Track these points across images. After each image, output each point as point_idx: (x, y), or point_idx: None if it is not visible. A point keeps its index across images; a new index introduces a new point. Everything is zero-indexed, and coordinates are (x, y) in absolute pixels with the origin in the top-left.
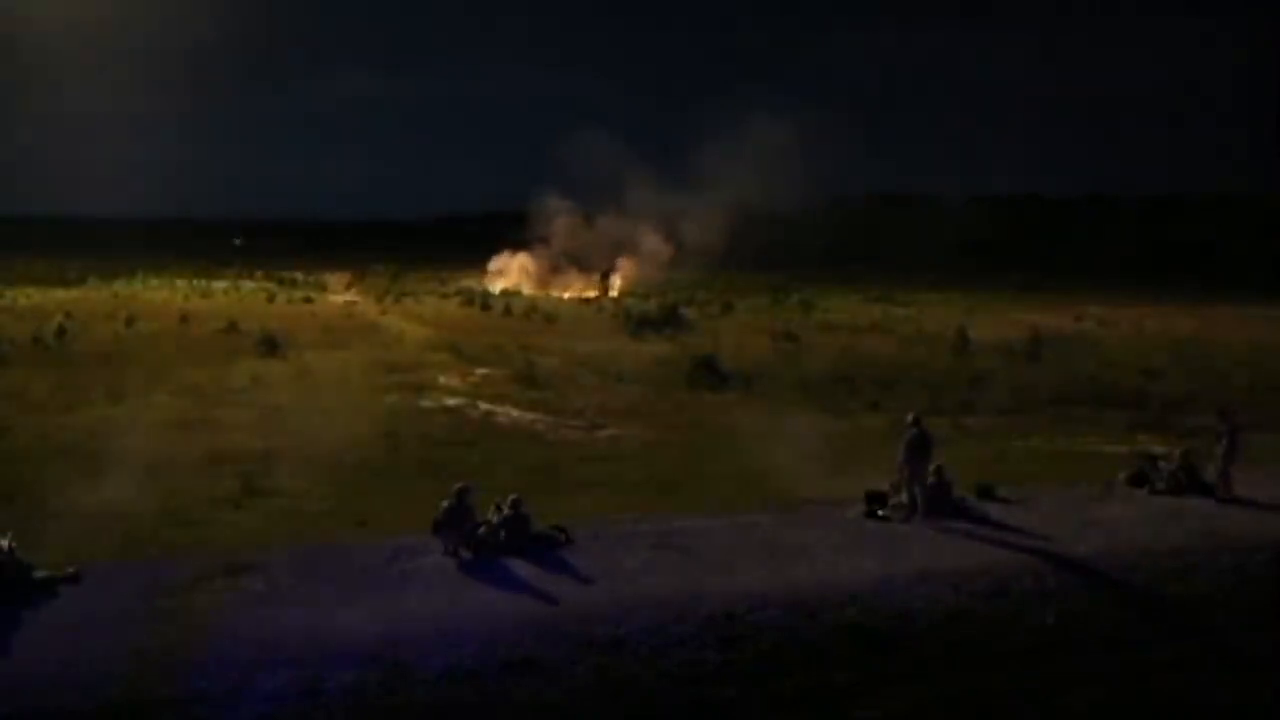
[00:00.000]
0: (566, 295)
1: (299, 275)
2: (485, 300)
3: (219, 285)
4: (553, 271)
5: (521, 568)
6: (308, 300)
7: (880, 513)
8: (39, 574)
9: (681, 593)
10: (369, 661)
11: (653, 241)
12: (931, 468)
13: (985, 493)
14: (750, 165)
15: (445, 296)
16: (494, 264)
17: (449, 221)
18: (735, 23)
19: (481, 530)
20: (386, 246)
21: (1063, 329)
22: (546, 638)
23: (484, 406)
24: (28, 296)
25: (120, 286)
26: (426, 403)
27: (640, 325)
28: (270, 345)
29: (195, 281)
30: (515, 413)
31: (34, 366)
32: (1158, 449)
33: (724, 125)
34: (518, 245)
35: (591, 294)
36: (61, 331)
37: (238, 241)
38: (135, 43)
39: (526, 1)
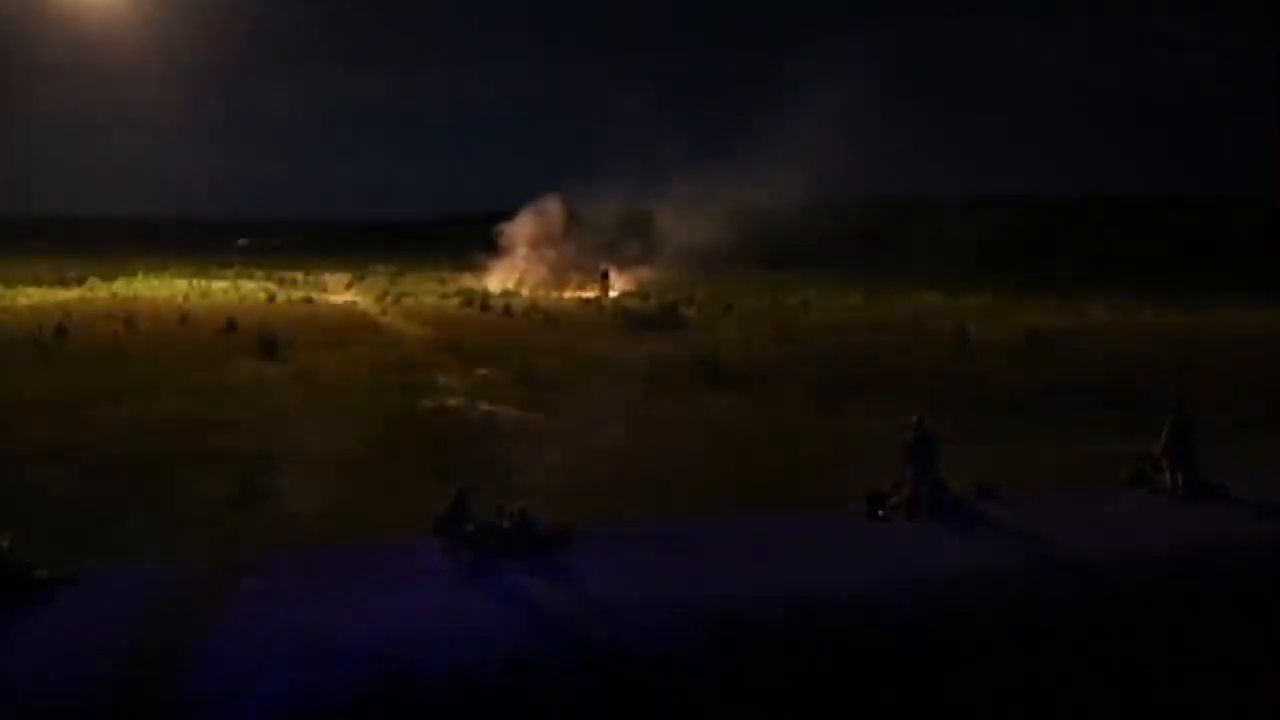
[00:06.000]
0: (567, 295)
1: (299, 275)
2: (485, 300)
3: (219, 285)
4: (555, 271)
5: (521, 568)
6: (308, 300)
7: (880, 513)
8: (38, 574)
9: (681, 593)
10: (369, 661)
11: (678, 232)
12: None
13: (984, 492)
14: (773, 166)
15: (445, 297)
16: (507, 230)
17: (449, 221)
18: (733, 28)
19: (486, 536)
20: (386, 246)
21: (1063, 329)
22: (546, 638)
23: (484, 406)
24: (28, 296)
25: (120, 286)
26: (426, 403)
27: (640, 325)
28: (270, 346)
29: (195, 281)
30: (516, 413)
31: (34, 366)
32: (1158, 449)
33: (726, 134)
34: (531, 240)
35: (591, 294)
36: (61, 331)
37: (241, 242)
38: (136, 43)
39: (528, 1)
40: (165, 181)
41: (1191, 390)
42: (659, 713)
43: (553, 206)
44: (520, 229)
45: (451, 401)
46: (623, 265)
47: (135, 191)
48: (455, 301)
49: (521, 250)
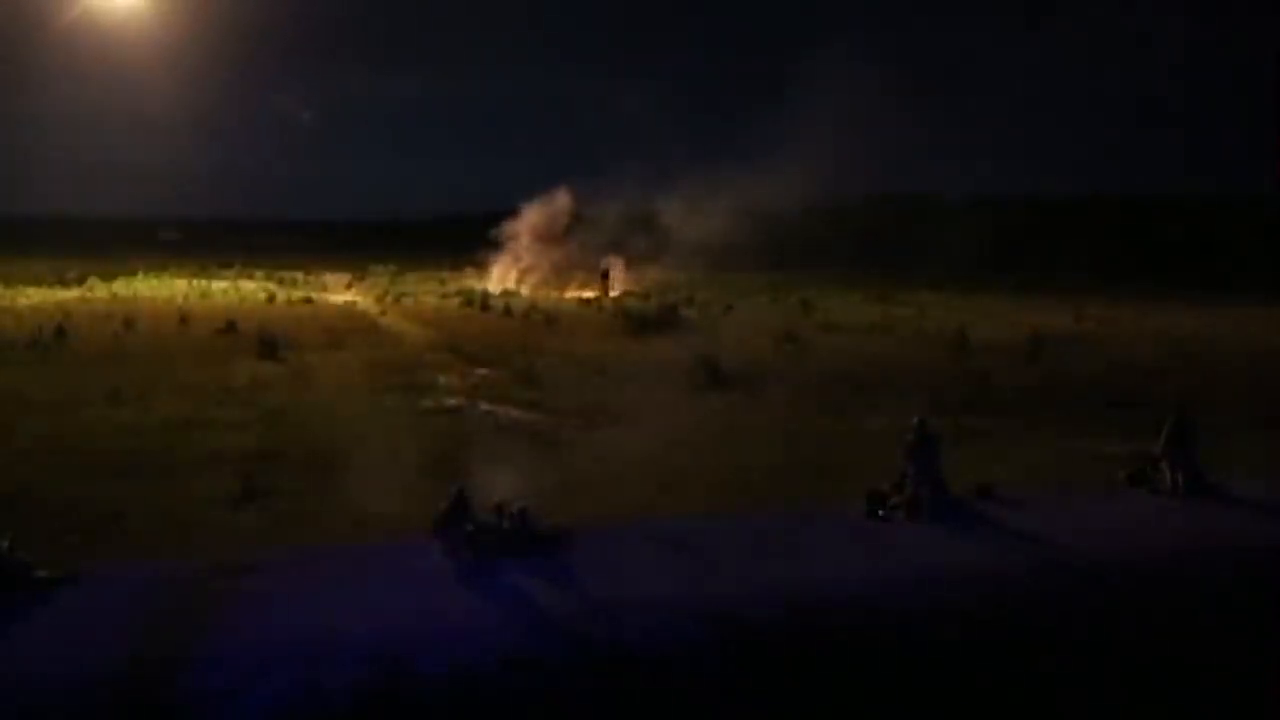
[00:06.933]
0: (567, 295)
1: (299, 275)
2: (485, 300)
3: (219, 285)
4: (556, 271)
5: (521, 568)
6: (308, 300)
7: (880, 513)
8: (38, 574)
9: (681, 593)
10: (369, 661)
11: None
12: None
13: (984, 493)
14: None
15: (445, 297)
16: (512, 223)
17: (449, 221)
18: (734, 28)
19: (486, 536)
20: (386, 246)
21: (1063, 329)
22: (546, 638)
23: (484, 407)
24: (28, 296)
25: (120, 286)
26: (426, 403)
27: (640, 325)
28: (270, 346)
29: (195, 281)
30: (515, 413)
31: (33, 367)
32: (1158, 449)
33: (729, 134)
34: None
35: (592, 294)
36: (61, 332)
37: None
38: (137, 43)
39: (528, 1)
40: (166, 182)
41: (1192, 390)
42: (659, 713)
43: (561, 199)
44: (525, 221)
45: (451, 402)
46: (625, 265)
47: (136, 192)
48: (455, 301)
49: (524, 241)
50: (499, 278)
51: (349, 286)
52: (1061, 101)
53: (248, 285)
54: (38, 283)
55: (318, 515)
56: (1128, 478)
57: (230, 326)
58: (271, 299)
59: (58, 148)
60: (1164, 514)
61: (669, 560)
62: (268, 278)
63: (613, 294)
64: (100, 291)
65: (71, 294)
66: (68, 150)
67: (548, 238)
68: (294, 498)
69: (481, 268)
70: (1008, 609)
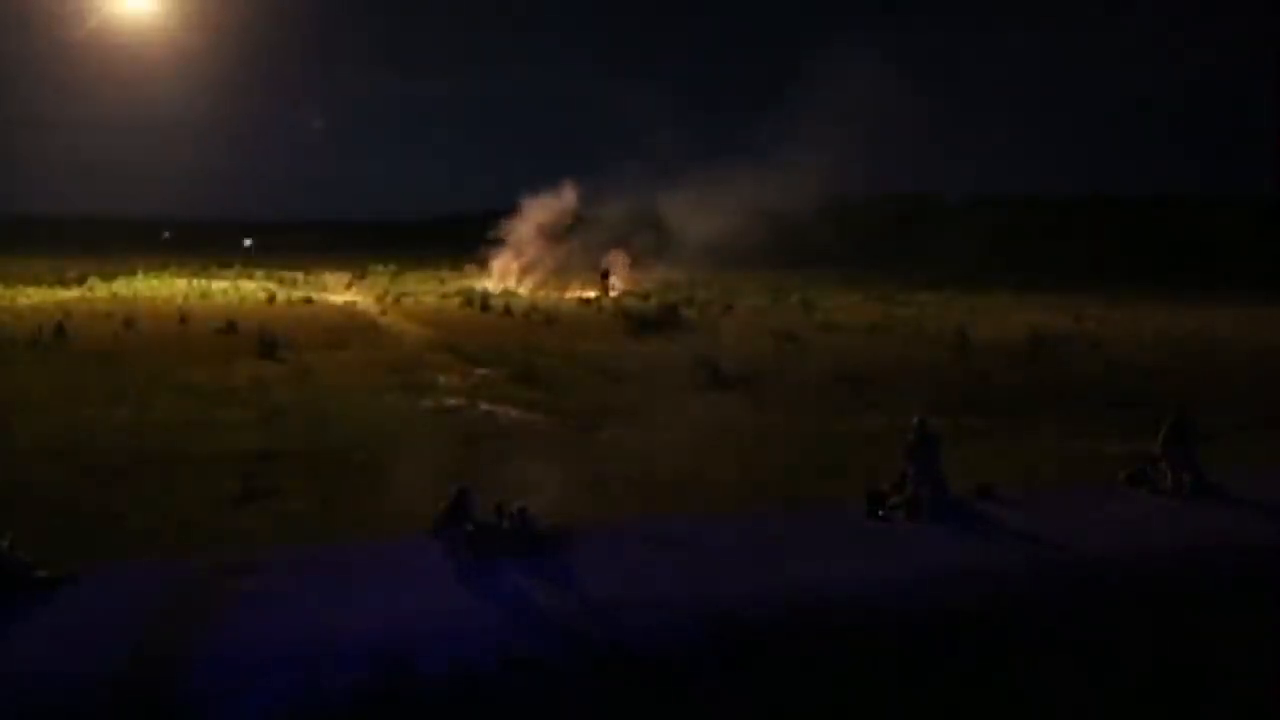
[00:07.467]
0: (567, 295)
1: (299, 275)
2: (485, 300)
3: (219, 285)
4: (556, 270)
5: (521, 568)
6: (308, 300)
7: (880, 513)
8: (38, 574)
9: (681, 593)
10: (369, 661)
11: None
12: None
13: (984, 492)
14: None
15: (445, 296)
16: (515, 221)
17: (449, 221)
18: (734, 30)
19: (486, 536)
20: (386, 246)
21: (1063, 329)
22: (546, 638)
23: (484, 407)
24: (28, 296)
25: (120, 286)
26: (426, 403)
27: (640, 325)
28: (270, 346)
29: (195, 281)
30: (515, 413)
31: (33, 366)
32: (1158, 449)
33: (729, 134)
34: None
35: (591, 294)
36: (61, 331)
37: (248, 243)
38: (136, 44)
39: (527, 1)
40: (167, 182)
41: (1192, 390)
42: (659, 713)
43: (568, 195)
44: (530, 217)
45: (452, 402)
46: (628, 265)
47: (137, 192)
48: (455, 301)
49: (527, 237)
50: (499, 277)
51: (349, 286)
52: (1061, 101)
53: (248, 285)
54: (38, 282)
55: (318, 515)
56: (1128, 478)
57: (230, 326)
58: (272, 299)
59: (58, 148)
60: (1164, 514)
61: (669, 560)
62: (268, 277)
63: (613, 294)
64: (100, 291)
65: (72, 293)
66: (69, 151)
67: (550, 236)
68: (294, 498)
69: (482, 266)
70: (1008, 609)
